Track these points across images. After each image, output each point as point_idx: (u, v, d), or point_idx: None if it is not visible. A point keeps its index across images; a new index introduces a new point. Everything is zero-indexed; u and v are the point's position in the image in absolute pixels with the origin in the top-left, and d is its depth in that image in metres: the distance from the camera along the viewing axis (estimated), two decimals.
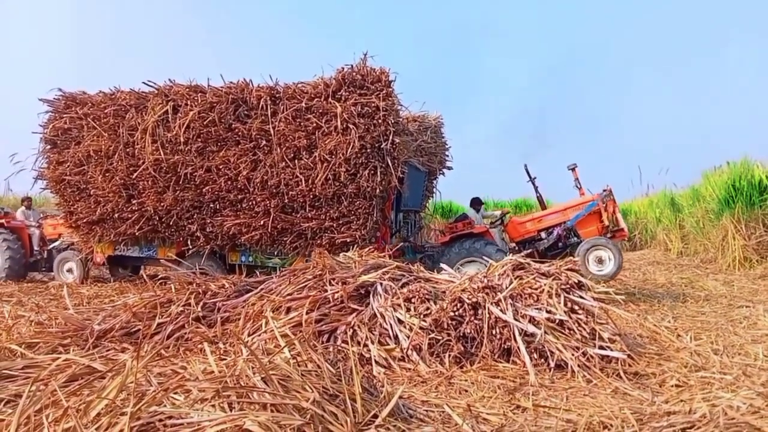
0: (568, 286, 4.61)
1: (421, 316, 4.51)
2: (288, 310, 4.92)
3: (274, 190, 7.82)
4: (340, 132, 7.38)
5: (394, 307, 4.64)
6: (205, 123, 7.98)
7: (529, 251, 8.40)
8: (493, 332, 4.40)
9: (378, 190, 7.45)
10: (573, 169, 8.60)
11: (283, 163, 7.69)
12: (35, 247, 11.12)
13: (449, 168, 10.77)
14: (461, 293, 4.55)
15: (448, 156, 10.67)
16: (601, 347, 4.30)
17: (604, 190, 8.35)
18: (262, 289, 5.47)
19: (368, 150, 7.33)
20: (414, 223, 10.55)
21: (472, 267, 8.19)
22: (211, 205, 8.26)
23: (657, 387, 4.01)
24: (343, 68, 7.61)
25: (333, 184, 7.49)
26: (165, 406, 2.43)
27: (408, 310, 4.60)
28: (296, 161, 7.67)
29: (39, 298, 8.08)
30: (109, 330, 4.87)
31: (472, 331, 4.42)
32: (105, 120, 8.65)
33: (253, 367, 2.79)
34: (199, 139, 8.06)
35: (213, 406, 2.45)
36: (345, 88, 7.53)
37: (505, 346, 4.40)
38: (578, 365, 4.17)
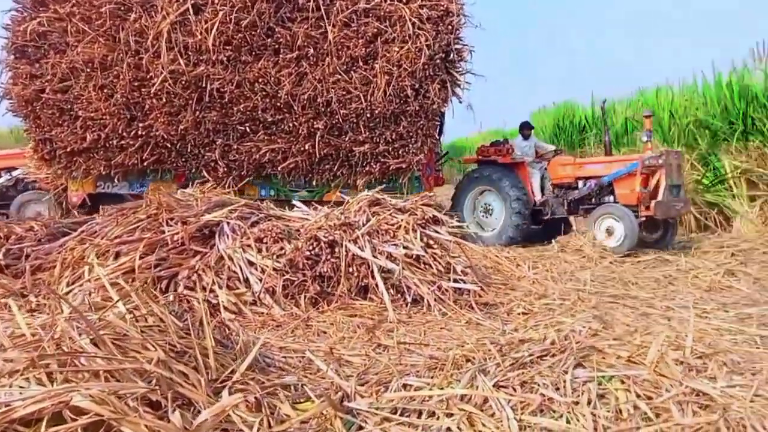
0: (424, 221, 4.58)
1: (275, 257, 4.20)
2: (117, 255, 4.29)
3: (322, 109, 6.65)
4: (408, 39, 6.38)
5: (244, 248, 4.26)
6: (238, 27, 6.51)
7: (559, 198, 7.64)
8: (350, 270, 4.25)
9: (444, 108, 6.67)
10: (648, 117, 7.31)
11: (336, 76, 6.55)
12: None
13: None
14: (317, 231, 4.30)
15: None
16: (455, 280, 4.36)
17: (662, 153, 6.95)
18: (82, 231, 4.72)
19: (437, 61, 6.44)
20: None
21: (489, 197, 7.65)
22: (240, 128, 6.89)
23: (505, 316, 4.17)
24: None
25: (394, 101, 6.50)
26: None
27: (259, 251, 4.26)
28: (351, 74, 6.54)
29: None
30: None
31: (329, 270, 4.22)
32: (99, 21, 6.78)
33: (78, 327, 2.29)
34: (230, 47, 6.59)
35: (27, 379, 1.95)
36: None
37: (363, 284, 4.29)
38: (434, 299, 4.18)
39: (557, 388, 2.60)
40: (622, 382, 2.69)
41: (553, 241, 7.08)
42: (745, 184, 8.27)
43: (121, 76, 6.86)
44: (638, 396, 2.50)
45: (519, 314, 4.18)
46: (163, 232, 4.37)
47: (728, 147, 8.52)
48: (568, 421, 2.33)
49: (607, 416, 2.36)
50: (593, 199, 7.40)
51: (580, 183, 7.53)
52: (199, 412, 2.04)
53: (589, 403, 2.44)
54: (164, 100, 6.84)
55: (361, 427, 2.30)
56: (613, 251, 6.47)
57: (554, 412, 2.41)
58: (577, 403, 2.45)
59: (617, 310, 4.29)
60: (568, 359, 2.88)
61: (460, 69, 6.77)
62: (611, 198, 7.19)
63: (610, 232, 6.73)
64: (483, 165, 7.93)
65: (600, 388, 2.61)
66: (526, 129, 8.32)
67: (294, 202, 5.27)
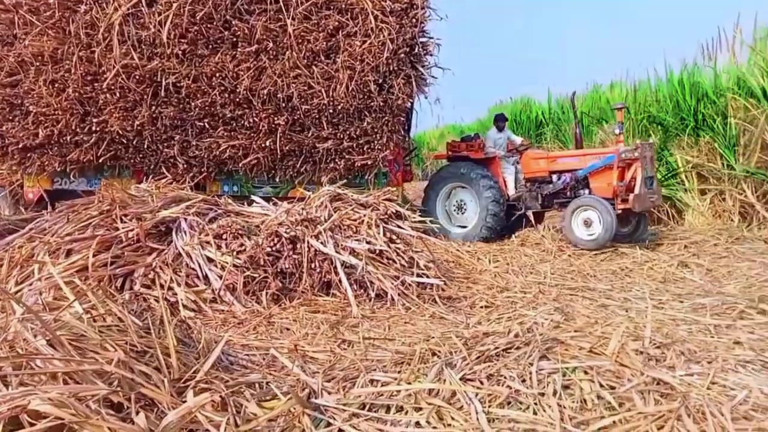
0: (387, 216, 4.57)
1: (235, 254, 4.11)
2: (68, 253, 4.13)
3: (283, 104, 6.47)
4: (371, 32, 6.25)
5: (203, 245, 4.16)
6: (193, 19, 6.28)
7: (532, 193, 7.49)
8: (313, 266, 4.19)
9: (409, 104, 6.51)
10: (619, 110, 7.14)
11: (297, 71, 6.38)
12: None
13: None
14: (278, 227, 4.23)
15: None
16: (418, 275, 4.36)
17: (637, 146, 6.75)
18: (31, 229, 4.54)
19: (401, 55, 6.31)
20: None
21: (463, 194, 7.53)
22: (198, 124, 6.62)
23: (468, 309, 4.20)
24: None
25: (357, 96, 6.36)
26: None
27: (219, 247, 4.16)
28: (313, 68, 6.38)
29: None
30: None
31: (291, 266, 4.16)
32: (48, 13, 6.45)
33: (32, 328, 2.18)
34: (185, 41, 6.33)
35: None
36: None
37: (325, 280, 4.24)
38: (398, 294, 4.17)
39: (523, 380, 2.63)
40: (586, 373, 2.74)
41: (512, 235, 7.17)
42: (696, 178, 8.51)
43: (73, 70, 6.58)
44: (601, 386, 2.55)
45: (482, 308, 4.21)
46: (117, 229, 4.23)
47: (680, 142, 8.77)
48: (535, 413, 2.35)
49: (573, 406, 2.39)
50: (568, 193, 7.27)
51: (554, 177, 7.41)
52: (163, 412, 1.98)
53: (554, 394, 2.47)
54: (118, 94, 6.60)
55: (329, 424, 2.26)
56: (589, 244, 6.43)
57: (521, 403, 2.43)
58: (543, 394, 2.48)
59: (577, 302, 4.37)
60: (533, 351, 2.92)
61: (426, 63, 6.73)
62: (586, 192, 7.07)
63: (588, 224, 6.59)
64: (454, 161, 7.86)
65: (564, 379, 2.66)
66: (500, 121, 8.22)
67: (253, 197, 5.17)
